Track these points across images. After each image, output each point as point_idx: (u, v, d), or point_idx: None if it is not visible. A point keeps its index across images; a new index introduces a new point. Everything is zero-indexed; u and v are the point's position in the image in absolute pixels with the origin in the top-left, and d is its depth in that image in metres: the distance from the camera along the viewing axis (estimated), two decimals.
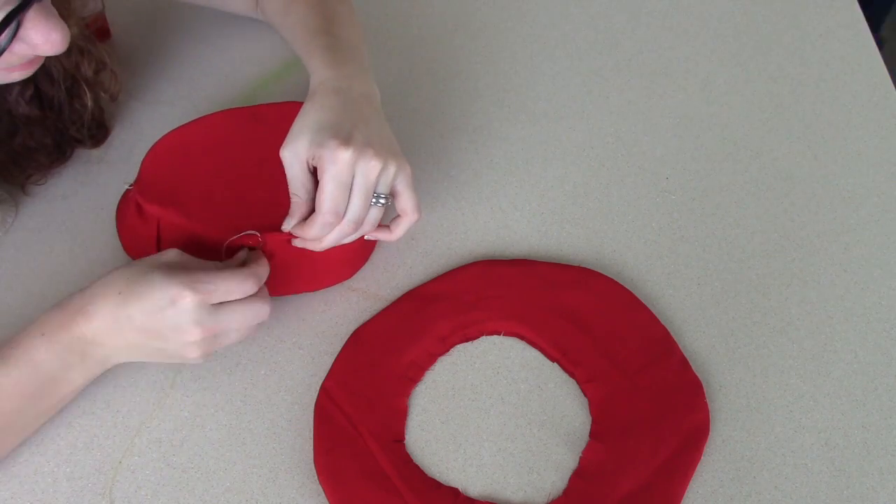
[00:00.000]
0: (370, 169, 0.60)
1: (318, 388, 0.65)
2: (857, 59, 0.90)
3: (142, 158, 0.73)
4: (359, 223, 0.62)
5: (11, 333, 0.66)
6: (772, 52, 0.91)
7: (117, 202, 0.75)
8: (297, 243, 0.64)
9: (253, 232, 0.64)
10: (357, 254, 0.71)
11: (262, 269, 0.62)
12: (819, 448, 0.64)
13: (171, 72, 0.84)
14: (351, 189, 0.61)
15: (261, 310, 0.60)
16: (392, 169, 0.61)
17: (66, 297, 0.59)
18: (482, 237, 0.75)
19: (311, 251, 0.64)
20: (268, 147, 0.69)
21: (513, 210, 0.77)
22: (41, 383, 0.58)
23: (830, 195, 0.79)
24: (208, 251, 0.65)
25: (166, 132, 0.73)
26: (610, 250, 0.74)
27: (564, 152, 0.81)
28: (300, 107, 0.68)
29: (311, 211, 0.63)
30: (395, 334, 0.68)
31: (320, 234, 0.62)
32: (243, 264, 0.62)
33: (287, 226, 0.63)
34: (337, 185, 0.60)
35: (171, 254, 0.60)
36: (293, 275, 0.67)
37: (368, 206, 0.62)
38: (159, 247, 0.69)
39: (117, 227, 0.73)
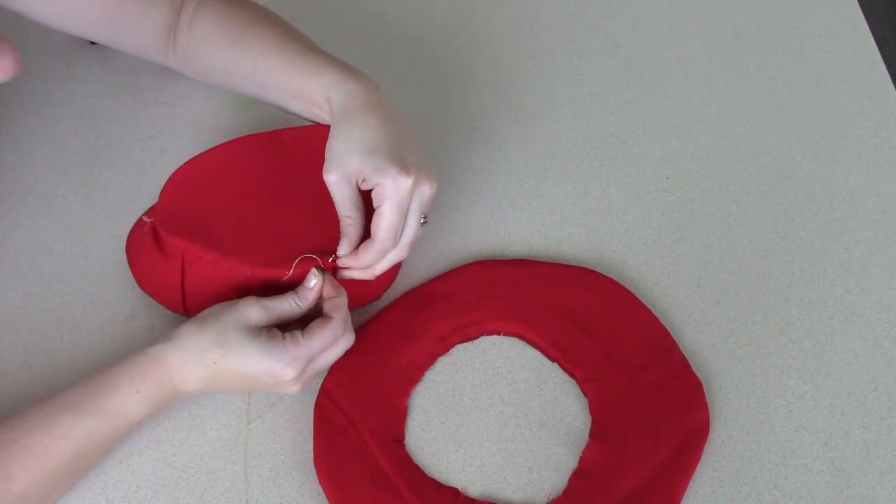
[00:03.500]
0: (425, 193, 0.62)
1: (318, 389, 0.65)
2: (857, 59, 0.90)
3: (141, 160, 0.72)
4: (414, 245, 0.64)
5: (10, 333, 0.67)
6: (772, 52, 0.91)
7: (116, 202, 0.74)
8: (346, 275, 0.64)
9: (311, 255, 0.62)
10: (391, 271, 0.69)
11: (344, 308, 0.62)
12: (819, 448, 0.64)
13: (171, 72, 0.84)
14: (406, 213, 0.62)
15: (348, 343, 0.62)
16: (436, 188, 0.63)
17: (155, 347, 0.58)
18: (482, 237, 0.75)
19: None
20: (291, 173, 0.67)
21: (512, 210, 0.77)
22: (129, 427, 0.59)
23: (830, 195, 0.79)
24: (238, 286, 0.63)
25: (181, 156, 0.71)
26: (610, 250, 0.74)
27: (564, 152, 0.81)
28: (321, 130, 0.66)
29: (364, 230, 0.63)
30: (394, 334, 0.67)
31: (375, 260, 0.63)
32: (319, 295, 0.62)
33: (343, 250, 0.63)
34: (399, 213, 0.61)
35: (254, 310, 0.59)
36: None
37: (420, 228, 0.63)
38: (184, 283, 0.65)
39: (129, 260, 0.69)
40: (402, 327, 0.68)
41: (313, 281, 0.62)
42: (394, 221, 0.61)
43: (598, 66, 0.89)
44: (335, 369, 0.65)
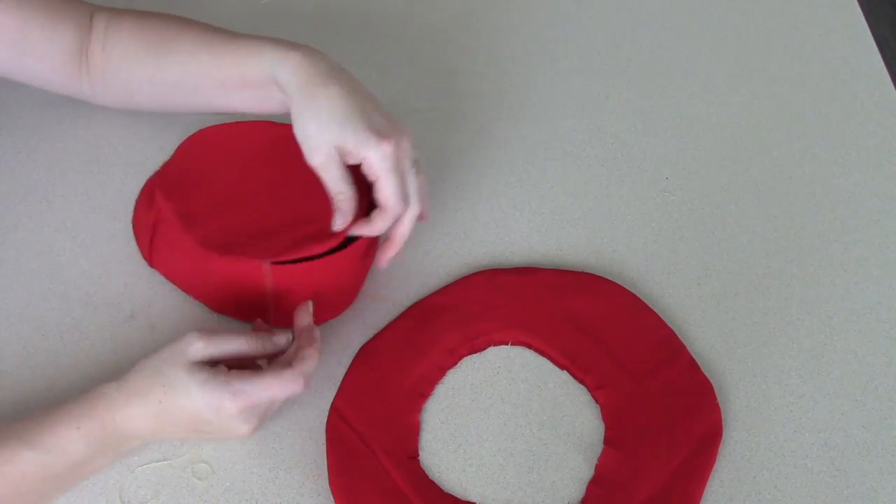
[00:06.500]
0: (406, 148, 0.62)
1: (327, 407, 0.64)
2: (857, 59, 0.90)
3: (141, 160, 0.73)
4: (424, 194, 0.64)
5: (10, 333, 0.67)
6: (772, 52, 0.91)
7: (116, 202, 0.74)
8: (384, 261, 0.65)
9: (270, 262, 0.62)
10: (353, 281, 0.69)
11: (311, 363, 0.59)
12: (819, 448, 0.64)
13: None
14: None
15: (296, 390, 0.58)
16: (411, 137, 0.63)
17: (103, 385, 0.57)
18: (482, 237, 0.75)
19: (308, 282, 0.64)
20: (292, 167, 0.66)
21: (512, 210, 0.77)
22: (68, 468, 0.56)
23: (830, 195, 0.79)
24: (192, 258, 0.63)
25: (195, 128, 0.72)
26: (610, 250, 0.74)
27: (564, 152, 0.81)
28: None
29: (357, 202, 0.64)
30: (402, 349, 0.67)
31: (389, 225, 0.63)
32: (281, 351, 0.60)
33: (339, 225, 0.63)
34: (397, 178, 0.62)
35: (198, 346, 0.56)
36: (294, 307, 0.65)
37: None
38: (153, 240, 0.68)
39: (135, 205, 0.73)
40: (410, 342, 0.67)
41: (283, 340, 0.60)
42: (396, 186, 0.61)
43: (598, 66, 0.89)
44: (344, 387, 0.65)
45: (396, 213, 0.63)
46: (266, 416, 0.59)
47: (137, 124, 0.80)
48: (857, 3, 0.97)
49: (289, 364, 0.58)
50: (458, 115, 0.84)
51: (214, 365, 0.57)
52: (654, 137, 0.83)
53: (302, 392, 0.58)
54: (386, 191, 0.62)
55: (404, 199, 0.63)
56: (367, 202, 0.65)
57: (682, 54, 0.90)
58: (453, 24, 0.92)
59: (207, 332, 0.57)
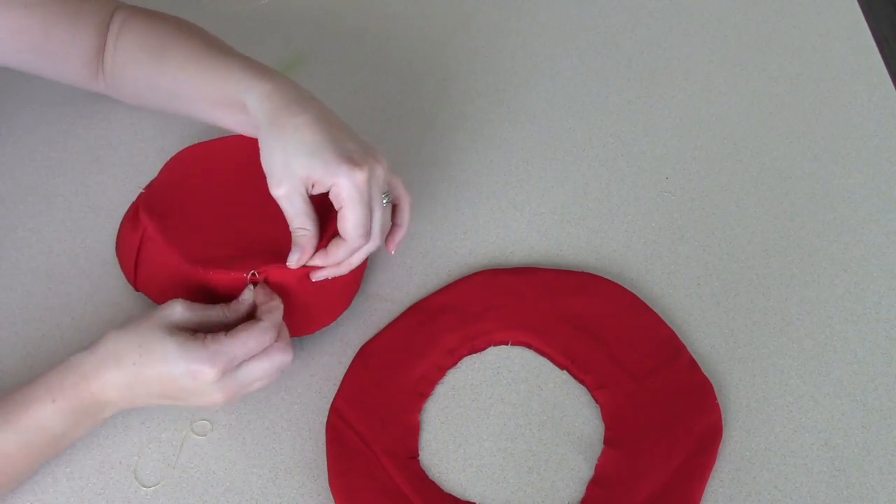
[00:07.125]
0: (379, 178, 0.60)
1: (327, 407, 0.64)
2: (857, 59, 0.90)
3: (141, 160, 0.73)
4: (385, 231, 0.63)
5: (10, 333, 0.67)
6: (772, 52, 0.91)
7: (116, 202, 0.74)
8: (318, 277, 0.62)
9: (253, 272, 0.61)
10: (348, 287, 0.68)
11: (277, 313, 0.59)
12: (819, 448, 0.64)
13: None
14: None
15: (283, 359, 0.58)
16: (385, 164, 0.61)
17: (75, 356, 0.57)
18: (482, 236, 0.75)
19: (304, 290, 0.63)
20: None
21: (512, 210, 0.77)
22: (49, 443, 0.57)
23: (830, 195, 0.79)
24: (177, 275, 0.62)
25: (175, 138, 0.72)
26: (609, 250, 0.74)
27: (564, 152, 0.81)
28: None
29: (319, 239, 0.62)
30: (402, 349, 0.67)
31: (347, 257, 0.61)
32: (252, 309, 0.60)
33: (295, 262, 0.61)
34: (363, 209, 0.59)
35: (178, 310, 0.57)
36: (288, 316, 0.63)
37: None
38: (138, 256, 0.66)
39: (119, 227, 0.72)
40: (410, 342, 0.67)
41: (246, 294, 0.60)
42: (361, 218, 0.59)
43: (598, 66, 0.89)
44: (344, 387, 0.65)
45: (356, 246, 0.61)
46: (242, 390, 0.57)
47: (137, 125, 0.80)
48: (857, 3, 0.97)
49: (256, 320, 0.58)
50: (457, 116, 0.84)
51: (193, 333, 0.57)
52: (654, 137, 0.83)
53: (289, 360, 0.58)
54: (350, 222, 0.59)
55: (367, 233, 0.60)
56: (333, 229, 0.62)
57: (682, 54, 0.90)
58: (453, 24, 0.92)
59: (188, 301, 0.58)
